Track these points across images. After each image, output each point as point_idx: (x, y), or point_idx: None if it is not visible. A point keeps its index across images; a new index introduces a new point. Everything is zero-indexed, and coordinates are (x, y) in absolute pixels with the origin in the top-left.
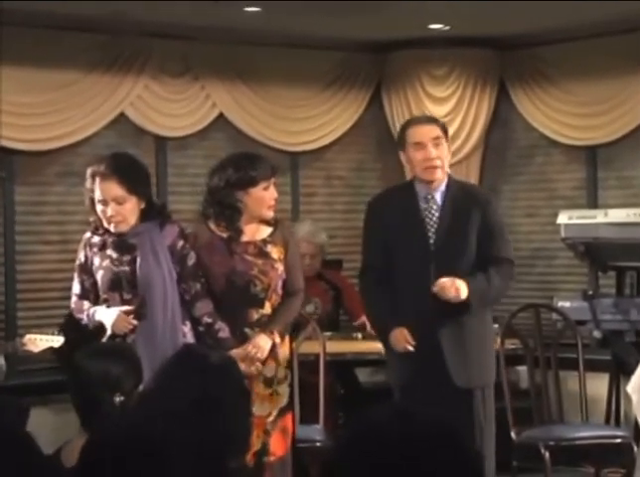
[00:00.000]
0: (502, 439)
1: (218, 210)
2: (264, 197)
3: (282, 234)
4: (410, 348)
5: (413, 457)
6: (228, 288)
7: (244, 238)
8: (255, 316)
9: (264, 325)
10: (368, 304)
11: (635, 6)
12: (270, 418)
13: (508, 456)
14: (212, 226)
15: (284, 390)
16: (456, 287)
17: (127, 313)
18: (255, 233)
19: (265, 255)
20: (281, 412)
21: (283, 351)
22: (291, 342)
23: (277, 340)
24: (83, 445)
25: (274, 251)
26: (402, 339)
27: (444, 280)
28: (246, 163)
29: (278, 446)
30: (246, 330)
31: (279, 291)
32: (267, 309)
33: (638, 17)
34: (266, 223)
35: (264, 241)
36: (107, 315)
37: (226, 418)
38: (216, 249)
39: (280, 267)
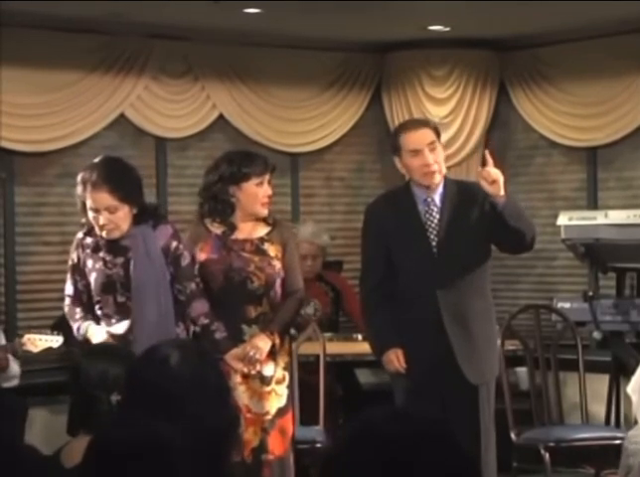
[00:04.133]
0: (502, 440)
1: (212, 205)
2: (257, 193)
3: (281, 233)
4: (402, 370)
5: (410, 457)
6: (225, 285)
7: (241, 235)
8: (254, 313)
9: (262, 323)
10: (366, 321)
11: (635, 7)
12: (268, 417)
13: (508, 457)
14: (208, 224)
15: (283, 390)
16: (498, 181)
17: (114, 337)
18: (252, 231)
19: (263, 253)
20: (280, 413)
21: (281, 352)
22: (290, 344)
23: (277, 341)
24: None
25: (272, 249)
26: (395, 360)
27: (490, 169)
28: (240, 159)
29: (277, 446)
30: (243, 326)
31: (278, 290)
32: (266, 307)
33: (638, 17)
34: (264, 222)
35: (261, 240)
36: (96, 335)
37: (197, 415)
38: (213, 247)
39: (278, 265)
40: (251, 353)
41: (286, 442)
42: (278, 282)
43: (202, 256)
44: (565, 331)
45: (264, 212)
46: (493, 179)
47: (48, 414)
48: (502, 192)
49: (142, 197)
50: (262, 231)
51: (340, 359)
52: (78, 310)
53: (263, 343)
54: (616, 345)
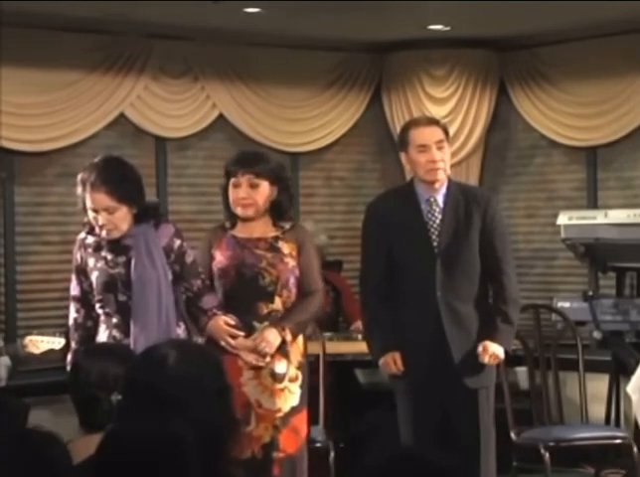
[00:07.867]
0: (502, 440)
1: (222, 200)
2: (232, 192)
3: (296, 233)
4: (398, 373)
5: None
6: (237, 281)
7: (256, 234)
8: (265, 310)
9: (275, 320)
10: (365, 322)
11: (635, 6)
12: (280, 414)
13: (508, 457)
14: (223, 223)
15: (296, 389)
16: (495, 356)
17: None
18: (267, 230)
19: (276, 250)
20: (293, 411)
21: (294, 351)
22: (305, 345)
23: (288, 337)
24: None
25: (286, 247)
26: (392, 364)
27: (486, 356)
28: (234, 157)
29: (288, 444)
30: (255, 323)
31: (292, 288)
32: (278, 305)
33: (638, 17)
34: (275, 224)
35: (276, 238)
36: None
37: (195, 416)
38: (228, 245)
39: (291, 262)
40: (262, 345)
41: (299, 442)
42: (292, 281)
43: (216, 254)
44: (565, 331)
45: (241, 213)
46: (494, 364)
47: (48, 414)
48: (502, 355)
49: (143, 197)
50: (278, 230)
51: (340, 359)
52: (76, 334)
53: (273, 336)
54: (616, 345)
